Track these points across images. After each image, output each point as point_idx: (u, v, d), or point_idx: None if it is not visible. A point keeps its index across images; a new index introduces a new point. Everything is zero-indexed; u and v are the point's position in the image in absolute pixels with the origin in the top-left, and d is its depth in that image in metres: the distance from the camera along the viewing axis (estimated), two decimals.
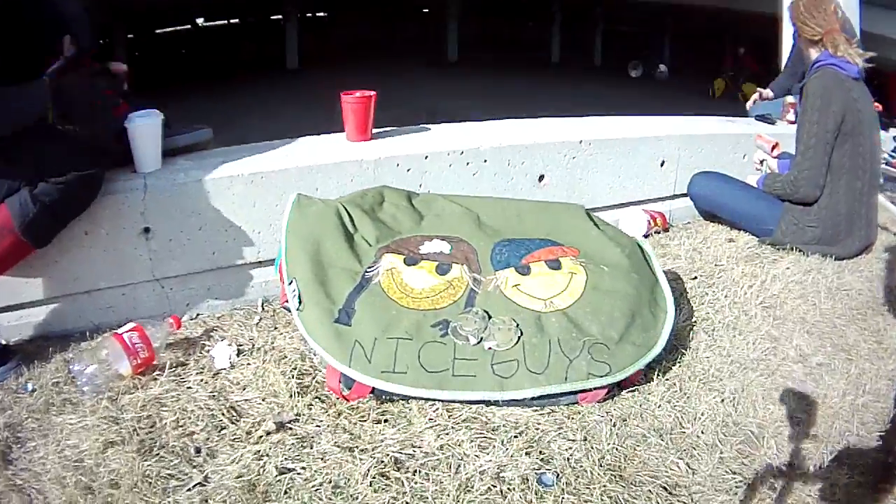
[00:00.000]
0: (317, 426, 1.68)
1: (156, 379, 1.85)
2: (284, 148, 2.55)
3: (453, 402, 1.74)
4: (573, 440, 1.66)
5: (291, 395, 1.78)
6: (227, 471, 1.51)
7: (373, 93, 2.62)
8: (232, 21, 13.20)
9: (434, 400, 1.74)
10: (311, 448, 1.59)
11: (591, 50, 15.25)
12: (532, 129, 2.98)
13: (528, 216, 2.28)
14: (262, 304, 2.33)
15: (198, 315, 2.23)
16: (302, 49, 12.22)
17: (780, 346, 2.16)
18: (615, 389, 1.82)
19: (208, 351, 1.98)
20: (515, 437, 1.66)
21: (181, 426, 1.67)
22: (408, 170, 2.56)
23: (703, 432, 1.72)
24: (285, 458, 1.55)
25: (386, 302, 1.85)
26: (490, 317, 1.82)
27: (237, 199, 2.22)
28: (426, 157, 2.60)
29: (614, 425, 1.72)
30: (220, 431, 1.64)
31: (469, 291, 1.90)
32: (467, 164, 2.67)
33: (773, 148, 3.27)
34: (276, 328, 2.17)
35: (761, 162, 3.30)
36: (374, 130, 2.69)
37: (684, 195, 3.33)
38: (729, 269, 2.74)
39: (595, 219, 2.30)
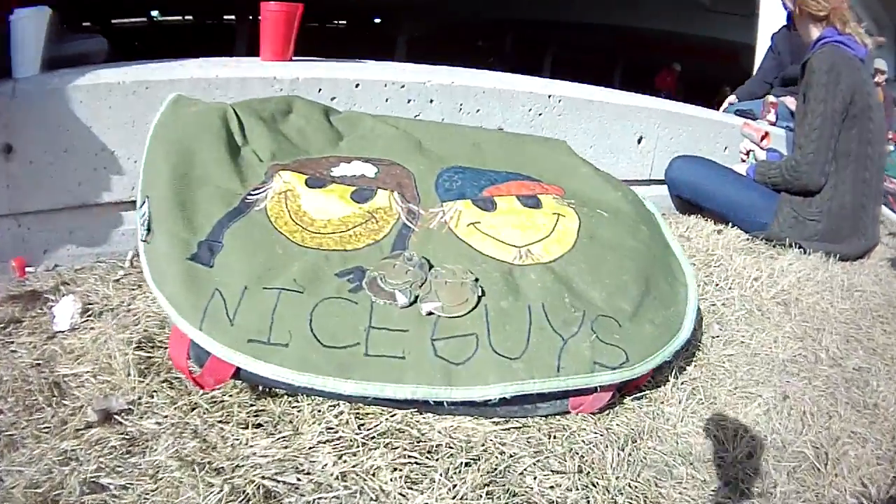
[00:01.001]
0: (157, 423, 1.10)
1: None
2: (186, 61, 1.91)
3: (365, 398, 1.05)
4: (561, 472, 1.02)
5: (130, 374, 1.21)
6: (20, 474, 1.02)
7: (299, 4, 2.02)
8: (186, 17, 13.35)
9: (335, 395, 1.05)
10: (142, 457, 1.04)
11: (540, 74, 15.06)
12: (491, 77, 2.34)
13: (491, 146, 1.59)
14: (133, 258, 1.77)
15: (55, 266, 1.70)
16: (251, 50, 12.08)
17: (808, 346, 1.67)
18: (616, 395, 1.17)
19: (51, 307, 1.48)
20: (467, 464, 1.01)
21: None
22: (332, 98, 1.89)
23: (748, 456, 1.16)
24: (99, 469, 1.02)
25: (270, 235, 1.17)
26: (431, 266, 1.14)
27: (114, 115, 1.66)
28: (357, 86, 1.93)
29: (621, 448, 1.09)
30: (30, 414, 1.15)
31: (400, 227, 1.23)
32: (409, 101, 2.02)
33: (763, 138, 2.87)
34: (139, 286, 1.64)
35: (748, 153, 2.86)
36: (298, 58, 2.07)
37: (661, 182, 2.81)
38: (727, 260, 2.19)
39: (581, 158, 1.65)
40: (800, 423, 1.32)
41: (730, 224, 2.57)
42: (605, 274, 1.19)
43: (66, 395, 1.21)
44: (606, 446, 1.09)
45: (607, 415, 1.17)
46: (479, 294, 1.08)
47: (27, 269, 1.61)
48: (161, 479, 0.99)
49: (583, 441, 1.11)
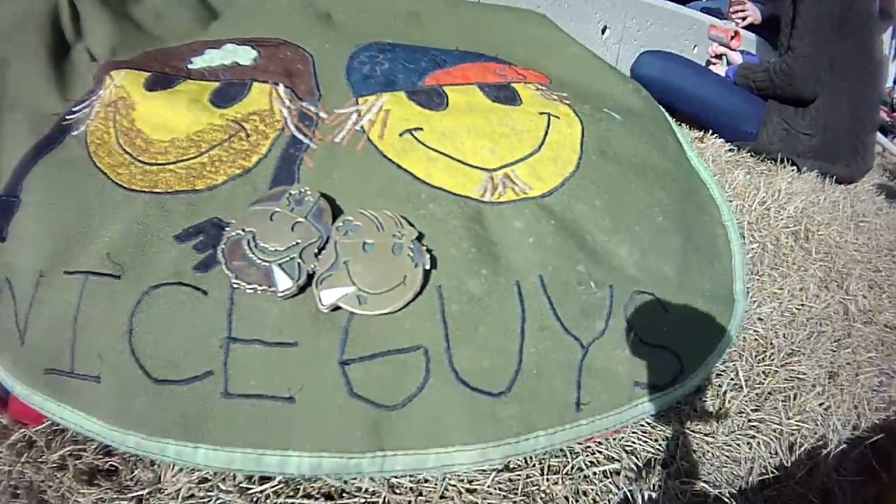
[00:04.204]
0: None
1: None
2: None
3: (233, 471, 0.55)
4: None
5: None
6: None
7: None
8: None
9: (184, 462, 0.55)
10: None
11: None
12: None
13: (434, 17, 1.00)
14: None
15: None
16: None
17: (836, 296, 1.29)
18: None
19: None
20: None
21: None
22: None
23: (808, 473, 0.80)
24: None
25: (85, 175, 0.64)
26: (335, 213, 0.62)
27: None
28: None
29: (648, 483, 0.67)
30: None
31: (286, 144, 0.68)
32: None
33: (733, 38, 2.38)
34: None
35: (719, 56, 2.40)
36: None
37: None
38: (720, 176, 1.75)
39: (567, 35, 1.07)
40: (856, 414, 0.94)
41: (709, 131, 2.15)
42: (634, 215, 0.69)
43: None
44: (629, 479, 0.65)
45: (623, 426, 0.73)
46: (427, 265, 0.56)
47: None
48: None
49: (593, 473, 0.66)
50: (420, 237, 0.59)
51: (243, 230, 0.56)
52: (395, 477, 0.64)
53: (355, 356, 0.52)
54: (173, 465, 0.63)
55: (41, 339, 0.54)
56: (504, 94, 0.78)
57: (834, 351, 1.06)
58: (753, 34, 2.60)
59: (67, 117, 0.72)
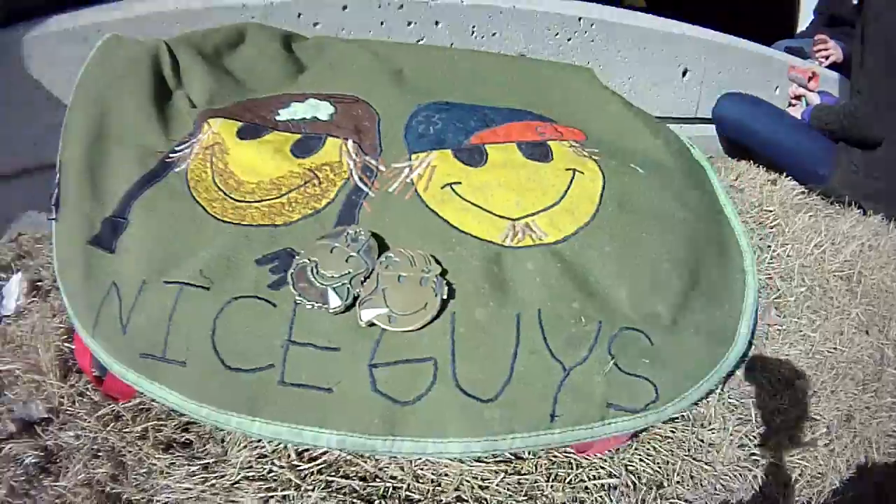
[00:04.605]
0: (76, 436, 0.84)
1: None
2: None
3: (280, 441, 0.72)
4: None
5: (57, 374, 0.93)
6: None
7: None
8: None
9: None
10: (54, 479, 0.78)
11: None
12: None
13: (493, 73, 1.16)
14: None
15: (19, 235, 1.44)
16: None
17: (874, 340, 1.31)
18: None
19: (1, 286, 1.23)
20: None
21: None
22: (315, 24, 1.50)
23: None
24: (11, 491, 0.79)
25: (184, 206, 0.82)
26: (382, 249, 0.77)
27: (67, 66, 1.33)
28: (345, 9, 1.52)
29: (642, 499, 0.76)
30: None
31: (350, 191, 0.84)
32: (409, 24, 1.61)
33: (811, 79, 2.37)
34: None
35: (798, 97, 2.39)
36: None
37: (708, 121, 2.35)
38: (784, 218, 1.78)
39: (612, 91, 1.20)
40: (863, 456, 0.97)
41: (783, 173, 2.15)
42: (638, 261, 0.80)
43: (1, 395, 0.95)
44: (624, 494, 0.76)
45: (627, 445, 0.83)
46: (444, 296, 0.71)
47: None
48: None
49: (593, 485, 0.78)
50: (444, 273, 0.73)
51: (309, 259, 0.72)
52: (419, 468, 0.78)
53: (382, 361, 0.67)
54: (238, 442, 0.80)
55: (140, 331, 0.71)
56: (538, 152, 0.90)
57: (856, 394, 1.11)
58: (837, 73, 2.56)
59: (171, 155, 0.90)
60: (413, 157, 0.89)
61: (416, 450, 0.65)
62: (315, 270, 0.71)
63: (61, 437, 0.82)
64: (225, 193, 0.83)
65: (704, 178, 1.03)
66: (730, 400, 0.95)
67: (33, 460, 0.79)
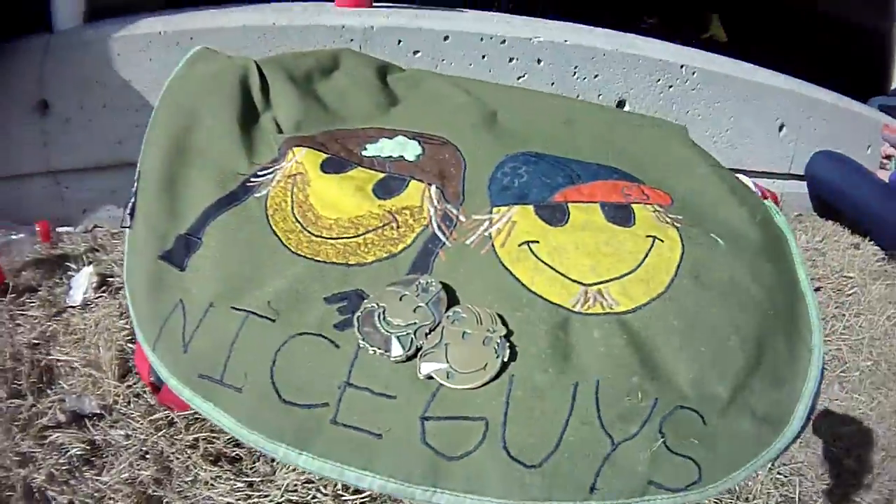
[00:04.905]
0: (125, 436, 0.89)
1: None
2: (242, 7, 1.60)
3: (324, 478, 0.74)
4: None
5: (115, 373, 1.00)
6: None
7: None
8: None
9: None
10: (97, 473, 0.84)
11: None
12: (613, 38, 1.87)
13: (587, 125, 1.11)
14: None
15: (94, 227, 1.51)
16: None
17: None
18: None
19: (71, 277, 1.29)
20: None
21: None
22: (415, 53, 1.55)
23: None
24: (51, 478, 0.83)
25: (260, 233, 0.84)
26: (450, 303, 0.77)
27: (154, 68, 1.43)
28: (446, 38, 1.56)
29: None
30: (10, 403, 0.95)
31: (427, 238, 0.85)
32: (510, 60, 1.63)
33: None
34: None
35: (888, 158, 2.33)
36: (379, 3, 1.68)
37: (800, 178, 2.32)
38: (861, 286, 1.70)
39: (704, 151, 1.12)
40: None
41: (868, 237, 2.07)
42: (705, 336, 0.76)
43: (54, 383, 1.02)
44: None
45: None
46: (505, 359, 0.70)
47: (63, 229, 1.44)
48: None
49: None
50: (509, 334, 0.72)
51: (377, 304, 0.74)
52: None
53: (434, 415, 0.67)
54: (287, 466, 0.82)
55: (201, 353, 0.74)
56: (620, 215, 0.87)
57: None
58: None
59: (252, 179, 0.91)
60: (494, 210, 0.88)
61: (455, 503, 0.65)
62: (382, 316, 0.72)
63: (111, 433, 0.87)
64: (302, 226, 0.85)
65: (785, 249, 0.98)
66: (778, 475, 0.90)
67: (78, 452, 0.83)
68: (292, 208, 0.87)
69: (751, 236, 0.91)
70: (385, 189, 0.90)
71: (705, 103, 1.92)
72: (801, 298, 0.92)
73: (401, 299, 0.74)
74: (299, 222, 0.86)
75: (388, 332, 0.71)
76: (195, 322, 0.76)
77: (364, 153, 0.97)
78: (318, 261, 0.81)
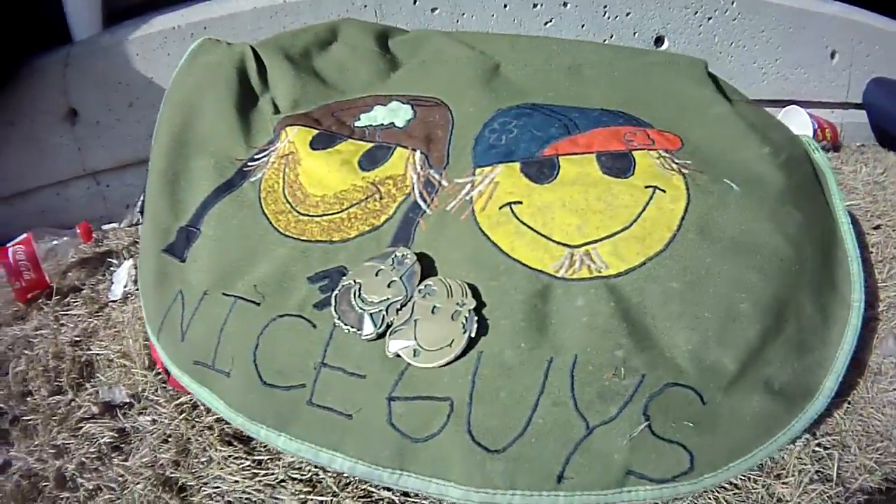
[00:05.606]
0: (152, 421, 0.90)
1: (42, 308, 1.20)
2: None
3: (303, 460, 0.73)
4: None
5: (144, 363, 1.01)
6: (24, 462, 0.88)
7: None
8: None
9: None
10: (123, 459, 0.86)
11: None
12: None
13: (596, 69, 1.02)
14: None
15: (138, 221, 1.51)
16: None
17: None
18: None
19: (113, 272, 1.30)
20: None
21: (25, 381, 1.02)
22: (433, 9, 1.48)
23: None
24: (81, 466, 0.86)
25: (252, 218, 0.85)
26: (428, 275, 0.74)
27: (174, 62, 1.44)
28: None
29: None
30: (51, 399, 0.99)
31: (409, 208, 0.81)
32: (534, 6, 1.53)
33: None
34: None
35: None
36: None
37: (858, 106, 2.11)
38: None
39: (725, 86, 1.01)
40: None
41: None
42: (710, 300, 0.68)
43: (93, 377, 1.04)
44: None
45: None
46: (473, 334, 0.66)
47: (108, 226, 1.49)
48: (126, 489, 0.81)
49: None
50: (481, 307, 0.68)
51: (354, 281, 0.72)
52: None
53: (400, 395, 0.65)
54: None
55: (196, 339, 0.76)
56: (619, 165, 0.79)
57: None
58: None
59: (249, 164, 0.91)
60: (477, 171, 0.82)
61: (421, 487, 0.63)
62: (357, 293, 0.71)
63: (139, 420, 0.90)
64: (291, 206, 0.84)
65: (819, 191, 0.87)
66: (815, 448, 0.80)
67: (108, 440, 0.87)
68: (283, 189, 0.87)
69: (773, 179, 0.81)
70: (371, 160, 0.87)
71: (749, 33, 1.74)
72: (839, 246, 0.82)
73: (377, 274, 0.72)
74: (288, 202, 0.85)
75: (361, 309, 0.70)
76: (192, 311, 0.79)
77: (357, 124, 0.94)
78: (304, 240, 0.80)
